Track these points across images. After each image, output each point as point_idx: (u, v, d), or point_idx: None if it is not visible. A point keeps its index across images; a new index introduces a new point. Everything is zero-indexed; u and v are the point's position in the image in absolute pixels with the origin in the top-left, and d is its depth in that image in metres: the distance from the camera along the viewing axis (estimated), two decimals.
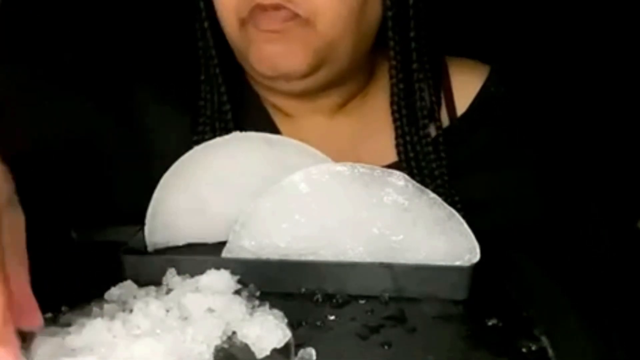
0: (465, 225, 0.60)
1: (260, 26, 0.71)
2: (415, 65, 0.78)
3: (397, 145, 0.79)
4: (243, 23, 0.72)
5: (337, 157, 0.66)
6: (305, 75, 0.75)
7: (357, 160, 0.77)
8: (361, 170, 0.62)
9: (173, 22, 0.89)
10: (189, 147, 0.69)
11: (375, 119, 0.83)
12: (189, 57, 0.81)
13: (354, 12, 0.72)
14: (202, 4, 0.78)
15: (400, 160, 0.79)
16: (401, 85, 0.78)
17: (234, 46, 0.77)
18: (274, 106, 0.83)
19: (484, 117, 0.83)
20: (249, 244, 0.64)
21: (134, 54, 0.83)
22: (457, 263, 0.60)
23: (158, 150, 0.77)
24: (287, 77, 0.75)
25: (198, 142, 0.69)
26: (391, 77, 0.78)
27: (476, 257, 0.59)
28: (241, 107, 0.81)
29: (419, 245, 0.61)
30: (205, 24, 0.78)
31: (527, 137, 0.84)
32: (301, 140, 0.74)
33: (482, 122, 0.83)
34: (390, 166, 0.76)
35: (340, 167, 0.64)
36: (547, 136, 0.86)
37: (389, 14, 0.75)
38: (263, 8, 0.70)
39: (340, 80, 0.79)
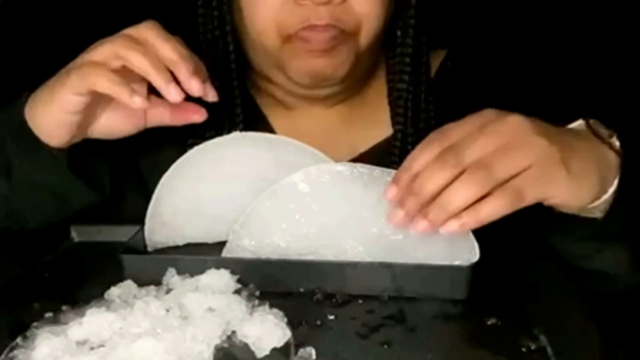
0: None
1: (310, 46, 0.73)
2: (424, 58, 0.82)
3: (396, 125, 0.81)
4: (288, 39, 0.73)
5: (332, 145, 0.67)
6: (342, 80, 0.78)
7: (351, 143, 0.81)
8: (361, 170, 0.62)
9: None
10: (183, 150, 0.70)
11: (369, 102, 0.85)
12: None
13: (386, 18, 0.76)
14: (228, 17, 0.78)
15: (395, 134, 0.81)
16: (411, 77, 0.81)
17: (266, 58, 0.78)
18: (275, 99, 0.84)
19: (446, 87, 0.85)
20: (249, 244, 0.64)
21: None
22: (457, 263, 0.60)
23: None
24: (328, 83, 0.78)
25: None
26: (401, 73, 0.81)
27: (475, 256, 0.59)
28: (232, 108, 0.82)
29: (418, 245, 0.61)
30: (229, 38, 0.79)
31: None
32: (297, 130, 0.77)
33: (444, 92, 0.85)
34: (385, 141, 0.81)
35: (340, 167, 0.64)
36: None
37: (412, 12, 0.78)
38: (314, 27, 0.72)
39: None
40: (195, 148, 0.68)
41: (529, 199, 0.55)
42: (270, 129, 0.84)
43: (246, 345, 0.51)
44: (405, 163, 0.58)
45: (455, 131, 0.57)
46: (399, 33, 0.79)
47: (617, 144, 0.61)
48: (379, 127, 0.83)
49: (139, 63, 0.62)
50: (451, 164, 0.55)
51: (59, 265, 0.69)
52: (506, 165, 0.55)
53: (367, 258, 0.62)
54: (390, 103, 0.83)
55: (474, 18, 1.12)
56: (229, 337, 0.52)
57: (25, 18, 1.11)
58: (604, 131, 0.62)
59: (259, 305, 0.56)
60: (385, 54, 0.83)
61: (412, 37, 0.79)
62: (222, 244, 0.65)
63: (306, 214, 0.63)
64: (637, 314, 0.66)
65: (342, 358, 0.50)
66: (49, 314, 0.56)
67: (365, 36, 0.75)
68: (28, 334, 0.52)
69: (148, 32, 0.63)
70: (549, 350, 0.51)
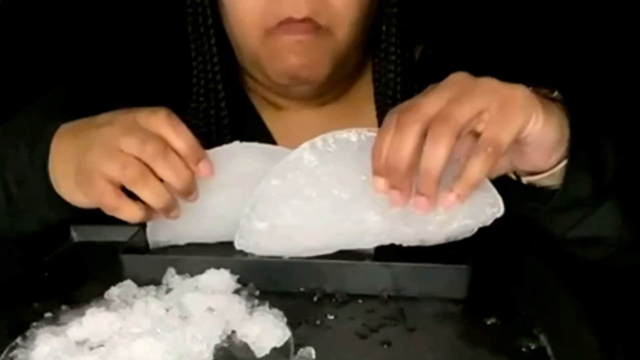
0: (486, 179, 0.58)
1: (286, 39, 0.73)
2: (409, 49, 0.83)
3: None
4: (267, 34, 0.74)
5: None
6: (322, 82, 0.78)
7: None
8: (368, 135, 0.60)
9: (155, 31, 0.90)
10: None
11: (358, 98, 0.86)
12: (173, 64, 0.84)
13: (366, 18, 0.77)
14: (208, 11, 0.79)
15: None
16: (399, 69, 0.82)
17: (248, 55, 0.79)
18: (265, 99, 0.86)
19: (429, 74, 0.85)
20: (261, 226, 0.62)
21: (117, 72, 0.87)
22: (481, 219, 0.58)
23: None
24: (306, 85, 0.79)
25: None
26: (388, 64, 0.81)
27: (500, 211, 0.58)
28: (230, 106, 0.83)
29: (438, 206, 0.57)
30: (211, 32, 0.80)
31: None
32: (290, 130, 0.79)
33: (427, 79, 0.85)
34: None
35: (345, 135, 0.61)
36: None
37: (394, 10, 0.79)
38: (292, 20, 0.72)
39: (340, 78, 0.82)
40: None
41: (506, 140, 0.55)
42: (263, 128, 0.85)
43: (246, 345, 0.51)
44: (375, 151, 0.57)
45: (406, 102, 0.58)
46: (383, 28, 0.80)
47: (559, 96, 0.63)
48: (368, 121, 0.84)
49: (144, 196, 0.61)
50: (411, 121, 0.55)
51: (59, 265, 0.69)
52: (462, 110, 0.55)
53: (385, 225, 0.60)
54: (377, 98, 0.84)
55: (454, 9, 1.13)
56: (228, 337, 0.52)
57: (25, 18, 1.11)
58: (545, 91, 0.63)
59: (259, 305, 0.56)
60: (371, 53, 0.84)
61: (395, 25, 0.80)
62: (222, 244, 0.65)
63: (316, 187, 0.61)
64: (636, 314, 0.66)
65: (342, 358, 0.50)
66: (48, 314, 0.56)
67: (343, 35, 0.75)
68: (28, 333, 0.52)
69: (147, 148, 0.60)
70: (549, 350, 0.51)
